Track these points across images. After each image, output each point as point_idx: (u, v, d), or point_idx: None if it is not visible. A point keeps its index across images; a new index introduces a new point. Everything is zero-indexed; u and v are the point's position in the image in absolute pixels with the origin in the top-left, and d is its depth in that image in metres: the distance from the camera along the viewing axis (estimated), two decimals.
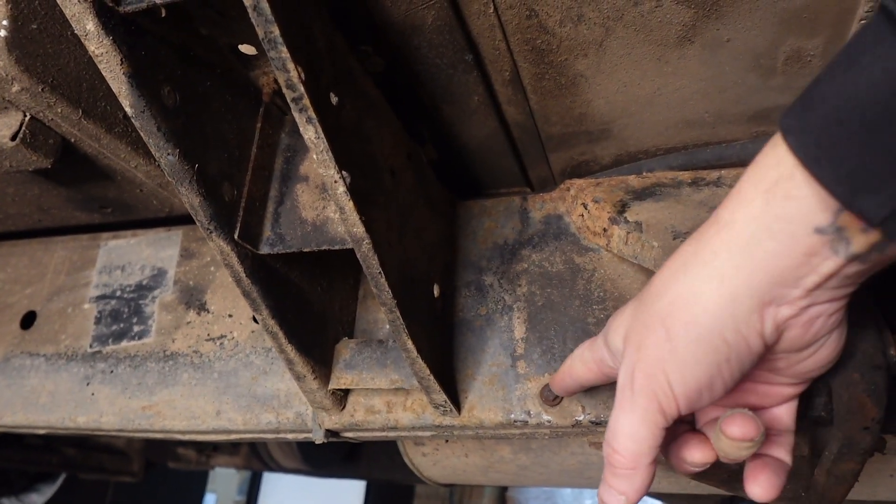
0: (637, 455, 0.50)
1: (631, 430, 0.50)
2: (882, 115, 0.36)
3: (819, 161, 0.38)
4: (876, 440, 0.50)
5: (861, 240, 0.40)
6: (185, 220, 1.04)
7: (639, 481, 0.51)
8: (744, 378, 0.49)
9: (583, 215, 0.81)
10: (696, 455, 0.54)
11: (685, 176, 0.79)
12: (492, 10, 0.66)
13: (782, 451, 0.55)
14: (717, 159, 0.80)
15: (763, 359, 0.49)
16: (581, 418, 0.74)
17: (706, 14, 0.66)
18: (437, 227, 0.83)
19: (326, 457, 2.17)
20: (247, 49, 0.63)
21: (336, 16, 0.63)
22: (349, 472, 2.21)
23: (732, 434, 0.49)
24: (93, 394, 0.95)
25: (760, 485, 0.52)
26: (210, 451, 2.20)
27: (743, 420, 0.49)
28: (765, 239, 0.42)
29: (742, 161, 0.79)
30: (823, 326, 0.47)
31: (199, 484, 3.95)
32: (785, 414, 0.55)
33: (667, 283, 0.49)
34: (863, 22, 0.66)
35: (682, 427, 0.58)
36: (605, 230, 0.77)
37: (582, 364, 0.63)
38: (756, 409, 0.56)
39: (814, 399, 0.54)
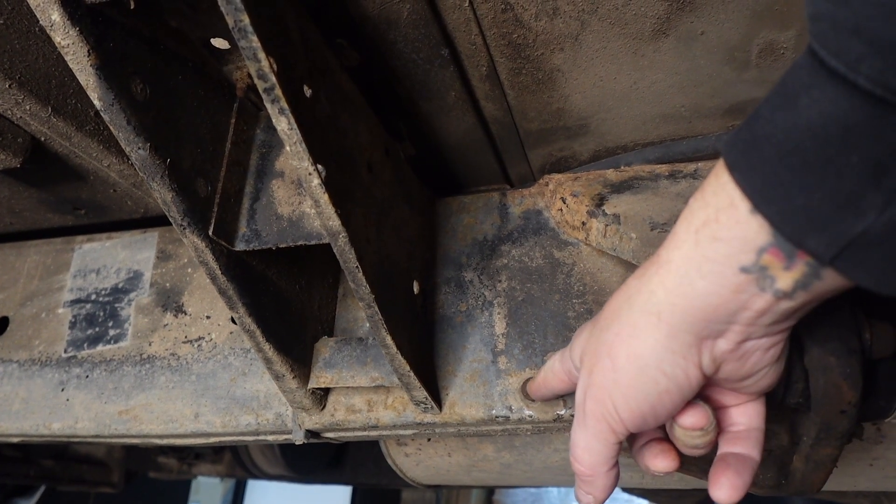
0: (594, 465, 0.55)
1: (586, 445, 0.55)
2: (821, 157, 0.37)
3: (767, 201, 0.40)
4: (853, 424, 0.51)
5: (785, 277, 0.41)
6: (161, 221, 1.02)
7: (601, 485, 0.57)
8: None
9: (562, 209, 0.81)
10: (659, 464, 0.59)
11: (662, 169, 0.79)
12: (467, 4, 0.66)
13: (749, 446, 0.56)
14: (693, 152, 0.80)
15: (707, 383, 0.52)
16: (563, 413, 0.74)
17: (680, 7, 0.67)
18: (415, 224, 0.82)
19: (311, 463, 2.15)
20: (219, 43, 0.62)
21: (310, 8, 0.62)
22: (334, 478, 2.19)
23: (683, 423, 0.54)
24: (68, 399, 0.93)
25: (722, 487, 0.54)
26: (192, 459, 2.17)
27: (693, 410, 0.53)
28: (696, 278, 0.44)
29: (718, 153, 0.80)
30: (761, 360, 0.50)
31: (181, 494, 3.89)
32: (751, 412, 0.57)
33: (614, 314, 0.52)
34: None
35: (648, 434, 0.61)
36: (583, 224, 0.78)
37: (553, 375, 0.67)
38: (721, 407, 0.58)
39: (791, 385, 0.54)
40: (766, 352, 0.49)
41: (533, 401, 0.75)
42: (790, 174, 0.38)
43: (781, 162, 0.39)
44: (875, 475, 0.92)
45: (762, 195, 0.40)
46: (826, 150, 0.37)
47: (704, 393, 0.56)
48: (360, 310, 0.87)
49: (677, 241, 0.46)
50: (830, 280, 0.41)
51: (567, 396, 0.75)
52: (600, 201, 0.76)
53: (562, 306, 0.80)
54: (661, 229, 0.70)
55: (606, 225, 0.74)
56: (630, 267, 0.79)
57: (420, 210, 0.85)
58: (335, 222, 0.57)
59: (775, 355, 0.50)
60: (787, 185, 0.38)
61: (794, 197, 0.38)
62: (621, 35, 0.70)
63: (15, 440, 0.97)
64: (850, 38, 0.34)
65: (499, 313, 0.82)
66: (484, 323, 0.82)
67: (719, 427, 0.58)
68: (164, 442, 0.92)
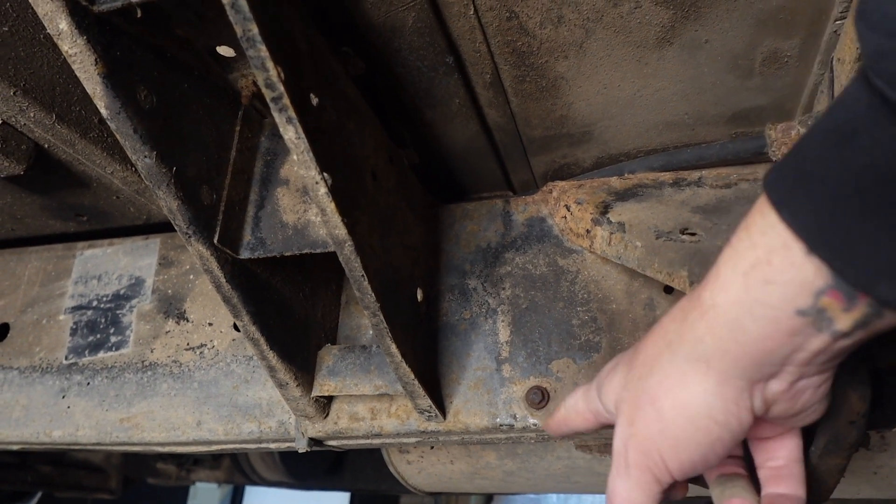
0: None
1: (628, 496, 0.52)
2: (888, 198, 0.36)
3: (826, 244, 0.38)
4: (862, 435, 0.51)
5: (844, 318, 0.40)
6: (163, 227, 1.02)
7: None
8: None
9: (565, 217, 0.81)
10: (676, 495, 0.57)
11: (666, 176, 0.79)
12: (472, 12, 0.66)
13: (794, 484, 0.55)
14: (697, 160, 0.80)
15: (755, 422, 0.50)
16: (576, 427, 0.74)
17: (684, 15, 0.67)
18: (419, 231, 0.82)
19: (310, 469, 2.14)
20: (225, 51, 0.62)
21: (316, 17, 0.62)
22: (333, 484, 2.18)
23: None
24: (68, 407, 0.93)
25: None
26: (190, 465, 2.16)
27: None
28: (748, 323, 0.43)
29: (722, 161, 0.80)
30: (812, 397, 0.48)
31: (179, 500, 3.87)
32: (790, 444, 0.55)
33: (654, 361, 0.50)
34: (838, 23, 0.67)
35: None
36: (588, 231, 0.77)
37: (577, 415, 0.64)
38: (760, 439, 0.57)
39: None
40: (818, 388, 0.48)
41: (538, 409, 0.75)
42: (850, 216, 0.37)
43: (838, 202, 0.37)
44: (879, 483, 0.92)
45: (819, 237, 0.38)
46: (891, 190, 0.35)
47: None
48: (363, 317, 0.86)
49: (723, 283, 0.44)
50: (892, 317, 0.39)
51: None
52: (605, 209, 0.76)
53: (566, 314, 0.80)
54: (666, 237, 0.70)
55: (611, 233, 0.74)
56: (635, 275, 0.79)
57: (424, 217, 0.85)
58: (341, 231, 0.57)
59: (825, 391, 0.49)
60: (848, 229, 0.37)
61: (857, 241, 0.37)
62: (626, 43, 0.70)
63: (15, 448, 0.97)
64: None
65: (503, 321, 0.81)
66: (488, 331, 0.81)
67: (756, 460, 0.56)
68: (166, 450, 0.91)
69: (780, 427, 0.54)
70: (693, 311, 0.47)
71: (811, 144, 0.39)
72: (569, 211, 0.80)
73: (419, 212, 0.83)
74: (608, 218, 0.75)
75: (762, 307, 0.41)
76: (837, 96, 0.40)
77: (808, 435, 0.53)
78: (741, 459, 0.59)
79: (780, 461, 0.55)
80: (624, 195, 0.78)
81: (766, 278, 0.41)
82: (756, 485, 0.56)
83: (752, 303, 0.42)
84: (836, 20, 0.67)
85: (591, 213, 0.77)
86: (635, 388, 0.52)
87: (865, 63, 0.36)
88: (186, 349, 0.92)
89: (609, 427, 0.58)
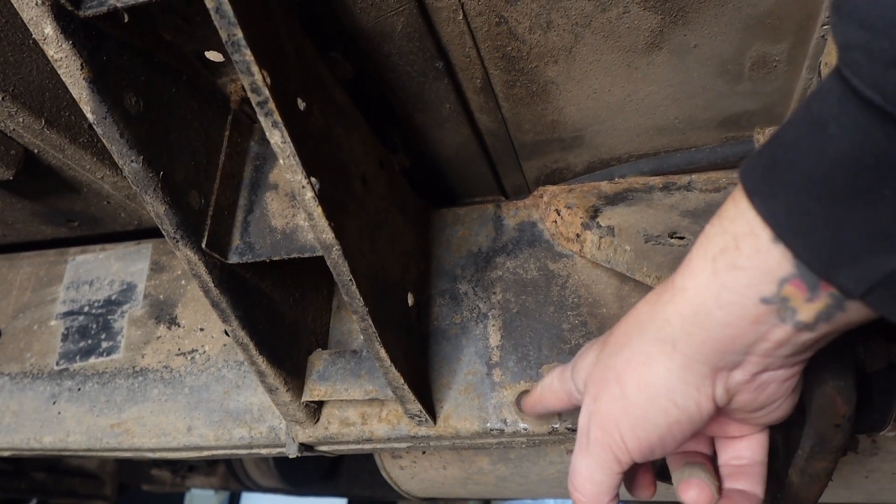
0: (595, 495, 0.53)
1: (588, 474, 0.53)
2: (853, 188, 0.36)
3: (792, 231, 0.38)
4: (848, 438, 0.51)
5: (807, 309, 0.40)
6: (155, 233, 1.02)
7: None
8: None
9: (556, 221, 0.81)
10: (644, 494, 0.59)
11: (656, 181, 0.80)
12: (461, 17, 0.66)
13: (754, 482, 0.55)
14: (687, 164, 0.80)
15: (717, 414, 0.50)
16: (557, 426, 0.74)
17: (673, 20, 0.67)
18: (410, 236, 0.82)
19: (305, 475, 2.13)
20: (213, 56, 0.62)
21: (304, 21, 0.62)
22: (329, 490, 2.17)
23: (688, 499, 0.54)
24: (59, 413, 0.92)
25: None
26: (185, 471, 2.15)
27: (698, 485, 0.54)
28: (714, 308, 0.43)
29: (712, 165, 0.80)
30: (776, 391, 0.49)
31: None
32: (755, 445, 0.56)
33: (625, 341, 0.51)
34: (825, 28, 0.67)
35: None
36: (578, 236, 0.78)
37: (551, 393, 0.65)
38: (723, 439, 0.57)
39: None
40: (783, 383, 0.48)
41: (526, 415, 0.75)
42: (817, 204, 0.37)
43: (807, 191, 0.37)
44: (870, 487, 0.92)
45: (786, 225, 0.38)
46: (857, 181, 0.36)
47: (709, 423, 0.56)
48: (354, 322, 0.86)
49: (693, 268, 0.45)
50: (855, 312, 0.40)
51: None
52: (594, 213, 0.76)
53: (556, 318, 0.80)
54: (655, 241, 0.70)
55: (601, 237, 0.74)
56: (625, 279, 0.79)
57: (415, 222, 0.85)
58: (328, 235, 0.57)
59: (791, 387, 0.49)
60: (813, 216, 0.37)
61: (821, 228, 0.37)
62: (615, 48, 0.71)
63: (6, 454, 0.96)
64: (887, 71, 0.33)
65: (493, 325, 0.81)
66: (479, 335, 0.81)
67: (720, 459, 0.57)
68: (157, 455, 0.91)
69: (747, 427, 0.55)
70: (664, 294, 0.47)
71: (786, 134, 0.39)
72: (559, 215, 0.80)
73: (410, 216, 0.83)
74: (598, 222, 0.75)
75: (728, 293, 0.42)
76: (814, 88, 0.40)
77: (795, 438, 0.53)
78: (707, 457, 0.59)
79: (744, 460, 0.56)
80: (614, 199, 0.78)
81: (733, 263, 0.41)
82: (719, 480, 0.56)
83: (718, 288, 0.42)
84: (823, 25, 0.67)
85: (580, 218, 0.77)
86: (604, 365, 0.52)
87: (837, 54, 0.36)
88: (178, 354, 0.92)
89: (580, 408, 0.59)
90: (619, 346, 0.51)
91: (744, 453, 0.56)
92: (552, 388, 0.65)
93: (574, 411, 0.63)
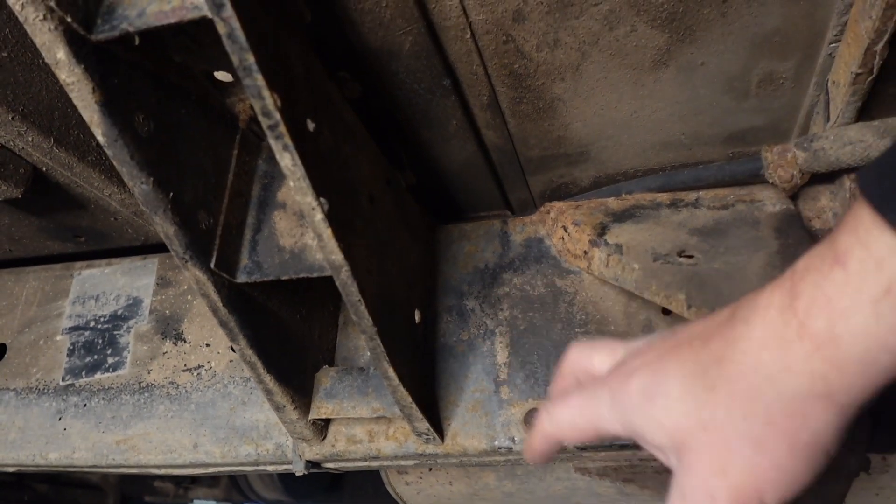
0: None
1: None
2: None
3: None
4: (862, 461, 0.50)
5: None
6: (161, 248, 1.02)
7: None
8: None
9: (563, 238, 0.81)
10: None
11: (663, 197, 0.80)
12: (469, 36, 0.67)
13: None
14: (694, 181, 0.80)
15: None
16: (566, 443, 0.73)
17: (680, 38, 0.67)
18: (417, 253, 0.82)
19: (309, 487, 2.13)
20: (222, 76, 0.63)
21: (313, 42, 0.63)
22: (332, 503, 2.16)
23: None
24: (65, 429, 0.92)
25: None
26: (188, 483, 2.14)
27: None
28: (881, 355, 0.38)
29: (719, 182, 0.80)
30: None
31: None
32: None
33: (754, 397, 0.43)
34: (832, 46, 0.67)
35: None
36: (585, 253, 0.77)
37: (575, 432, 0.54)
38: None
39: None
40: None
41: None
42: None
43: None
44: None
45: None
46: None
47: None
48: (360, 338, 0.86)
49: (843, 311, 0.39)
50: None
51: None
52: (602, 230, 0.76)
53: (564, 336, 0.79)
54: (663, 260, 0.70)
55: (609, 255, 0.74)
56: (633, 296, 0.78)
57: (421, 238, 0.85)
58: (338, 256, 0.56)
59: None
60: None
61: None
62: (622, 66, 0.71)
63: (11, 469, 0.96)
64: None
65: (501, 342, 0.81)
66: (486, 352, 0.81)
67: None
68: (163, 472, 0.91)
69: None
70: (802, 344, 0.41)
71: None
72: (566, 232, 0.80)
73: (417, 233, 0.83)
74: (605, 240, 0.75)
75: None
76: None
77: None
78: None
79: None
80: (621, 216, 0.78)
81: None
82: None
83: (886, 333, 0.37)
84: (830, 43, 0.67)
85: (588, 235, 0.77)
86: (720, 429, 0.44)
87: None
88: (184, 370, 0.92)
89: (613, 442, 0.53)
90: (741, 408, 0.44)
91: None
92: (576, 426, 0.53)
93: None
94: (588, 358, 0.56)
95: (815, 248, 0.41)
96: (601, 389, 0.50)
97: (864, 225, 0.37)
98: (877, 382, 0.40)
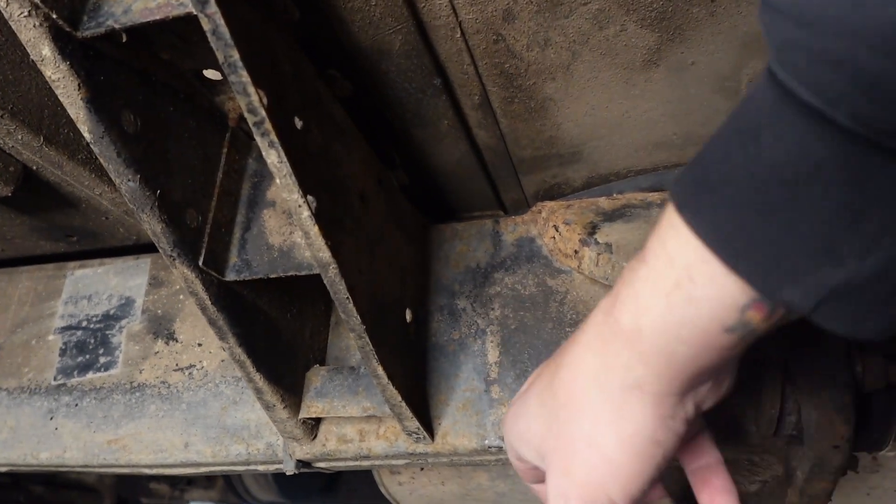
0: None
1: None
2: (788, 199, 0.34)
3: (739, 254, 0.36)
4: (847, 458, 0.50)
5: (766, 324, 0.39)
6: (153, 247, 1.01)
7: None
8: None
9: (554, 237, 0.81)
10: None
11: (654, 197, 0.80)
12: (459, 35, 0.67)
13: (727, 481, 0.54)
14: None
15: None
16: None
17: (670, 38, 0.67)
18: (408, 252, 0.82)
19: (304, 489, 2.12)
20: (211, 74, 0.63)
21: (302, 39, 0.63)
22: None
23: None
24: (56, 428, 0.92)
25: None
26: (184, 485, 2.14)
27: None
28: (676, 346, 0.41)
29: None
30: (730, 378, 0.48)
31: None
32: (708, 442, 0.55)
33: (582, 400, 0.47)
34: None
35: None
36: (576, 252, 0.77)
37: (530, 473, 0.58)
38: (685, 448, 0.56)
39: (784, 418, 0.54)
40: (733, 370, 0.47)
41: None
42: (756, 219, 0.35)
43: (744, 206, 0.35)
44: None
45: (733, 249, 0.36)
46: (794, 191, 0.34)
47: None
48: (351, 338, 0.86)
49: (644, 305, 0.41)
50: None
51: None
52: (592, 230, 0.76)
53: (555, 335, 0.79)
54: None
55: (598, 254, 0.74)
56: None
57: (413, 238, 0.85)
58: (325, 254, 0.56)
59: (736, 366, 0.48)
60: (753, 232, 0.35)
61: (762, 245, 0.35)
62: (612, 65, 0.71)
63: (2, 469, 0.96)
64: (830, 72, 0.30)
65: (492, 342, 0.81)
66: (477, 351, 0.81)
67: (689, 468, 0.56)
68: (154, 472, 0.90)
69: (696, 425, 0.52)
70: (615, 340, 0.44)
71: (717, 147, 0.37)
72: (557, 231, 0.80)
73: (409, 232, 0.83)
74: (595, 239, 0.75)
75: (688, 328, 0.40)
76: (745, 95, 0.37)
77: (794, 459, 0.53)
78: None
79: (711, 459, 0.54)
80: (612, 216, 0.78)
81: (689, 297, 0.39)
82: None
83: (677, 325, 0.40)
84: None
85: (578, 234, 0.77)
86: (566, 434, 0.47)
87: (770, 56, 0.34)
88: (175, 370, 0.91)
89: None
90: (575, 409, 0.47)
91: (706, 452, 0.55)
92: (525, 472, 0.58)
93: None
94: None
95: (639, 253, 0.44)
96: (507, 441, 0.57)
97: (665, 224, 0.40)
98: (684, 373, 0.42)
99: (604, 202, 0.80)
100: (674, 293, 0.39)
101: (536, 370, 0.58)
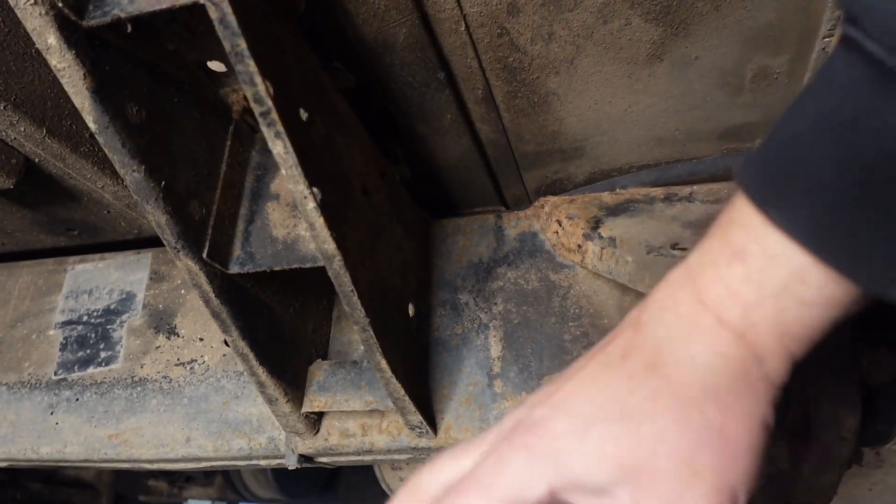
0: None
1: None
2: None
3: (843, 256, 0.34)
4: (853, 451, 0.50)
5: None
6: (154, 242, 1.02)
7: None
8: None
9: (557, 232, 0.81)
10: None
11: (657, 192, 0.80)
12: (463, 28, 0.67)
13: None
14: (688, 175, 0.80)
15: None
16: None
17: (674, 32, 0.67)
18: (411, 246, 0.82)
19: (304, 486, 2.12)
20: (216, 66, 0.63)
21: (307, 31, 0.62)
22: (327, 501, 2.16)
23: None
24: (57, 423, 0.92)
25: None
26: (182, 482, 2.14)
27: None
28: (788, 342, 0.40)
29: (713, 176, 0.80)
30: None
31: None
32: None
33: (701, 383, 0.41)
34: (826, 40, 0.67)
35: None
36: (579, 246, 0.77)
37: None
38: None
39: (790, 411, 0.54)
40: None
41: None
42: (864, 216, 0.33)
43: (850, 206, 0.33)
44: (874, 500, 0.91)
45: (839, 254, 0.35)
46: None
47: None
48: (354, 332, 0.86)
49: (748, 302, 0.39)
50: None
51: None
52: (596, 224, 0.76)
53: (558, 329, 0.79)
54: (657, 253, 0.70)
55: (602, 248, 0.74)
56: (626, 290, 0.78)
57: (415, 232, 0.85)
58: (330, 245, 0.56)
59: None
60: (863, 237, 0.33)
61: (874, 245, 0.34)
62: (616, 59, 0.71)
63: (2, 465, 0.95)
64: None
65: (494, 336, 0.81)
66: (479, 346, 0.81)
67: None
68: (155, 467, 0.90)
69: None
70: (723, 331, 0.41)
71: (801, 140, 0.34)
72: (560, 226, 0.80)
73: (411, 227, 0.83)
74: (599, 233, 0.75)
75: (800, 328, 0.39)
76: (817, 76, 0.34)
77: (800, 452, 0.53)
78: None
79: None
80: (615, 210, 0.78)
81: (801, 300, 0.38)
82: None
83: (790, 324, 0.39)
84: (824, 38, 0.67)
85: (582, 229, 0.77)
86: (682, 431, 0.40)
87: (858, 30, 0.30)
88: (177, 364, 0.91)
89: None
90: (694, 398, 0.42)
91: None
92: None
93: None
94: (439, 473, 0.48)
95: (704, 244, 0.42)
96: (507, 454, 0.43)
97: (753, 221, 0.38)
98: (789, 365, 0.41)
99: (607, 197, 0.80)
100: (783, 295, 0.38)
101: (548, 390, 0.46)
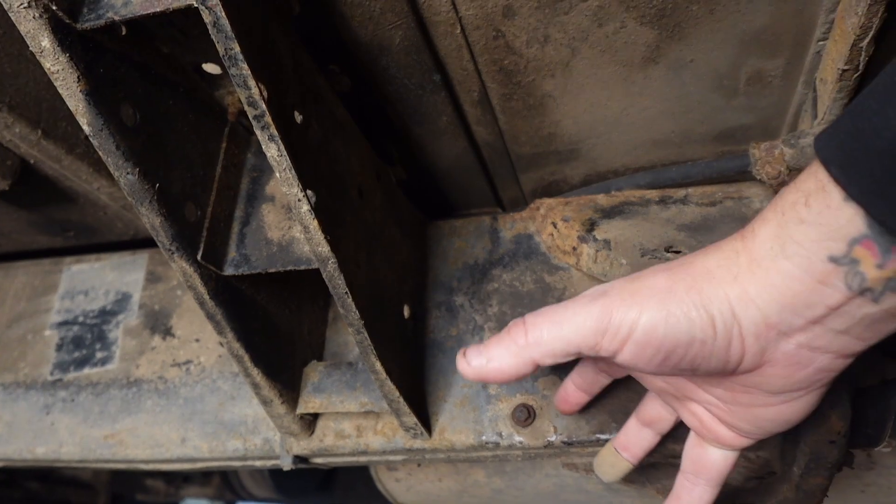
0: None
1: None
2: None
3: (867, 191, 0.36)
4: (843, 454, 0.50)
5: (876, 275, 0.38)
6: (151, 243, 1.02)
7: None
8: (687, 377, 0.50)
9: (552, 234, 0.81)
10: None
11: (652, 194, 0.80)
12: (458, 31, 0.67)
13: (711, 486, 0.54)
14: (683, 178, 0.80)
15: (726, 382, 0.48)
16: (553, 439, 0.74)
17: (669, 35, 0.68)
18: (407, 248, 0.82)
19: (300, 485, 2.12)
20: (211, 68, 0.63)
21: (303, 34, 0.63)
22: (324, 501, 2.16)
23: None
24: (52, 423, 0.92)
25: None
26: (180, 482, 2.14)
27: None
28: (780, 258, 0.42)
29: (708, 179, 0.80)
30: (806, 378, 0.45)
31: None
32: (719, 461, 0.54)
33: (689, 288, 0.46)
34: (821, 44, 0.68)
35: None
36: (574, 248, 0.78)
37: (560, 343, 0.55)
38: (695, 434, 0.56)
39: None
40: (817, 372, 0.45)
41: (524, 426, 0.75)
42: None
43: (891, 156, 0.35)
44: (867, 502, 0.91)
45: (860, 184, 0.36)
46: None
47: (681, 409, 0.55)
48: (350, 334, 0.86)
49: (763, 218, 0.44)
50: None
51: (558, 421, 0.74)
52: (591, 226, 0.77)
53: None
54: (651, 255, 0.70)
55: (597, 250, 0.74)
56: None
57: (411, 234, 0.85)
58: (324, 248, 0.56)
59: (822, 384, 0.46)
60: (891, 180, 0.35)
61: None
62: (612, 62, 0.71)
63: None
64: None
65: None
66: None
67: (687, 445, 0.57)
68: (150, 467, 0.90)
69: (736, 420, 0.51)
70: (736, 236, 0.46)
71: (869, 102, 0.37)
72: (555, 228, 0.80)
73: (407, 228, 0.83)
74: (594, 235, 0.75)
75: (795, 245, 0.40)
76: None
77: (790, 455, 0.53)
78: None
79: (701, 472, 0.55)
80: (610, 213, 0.78)
81: (801, 218, 0.40)
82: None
83: (786, 238, 0.41)
84: (818, 41, 0.68)
85: (577, 231, 0.77)
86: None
87: None
88: (172, 365, 0.91)
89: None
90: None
91: (703, 463, 0.55)
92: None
93: None
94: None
95: (782, 197, 0.44)
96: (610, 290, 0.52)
97: (810, 168, 0.41)
98: (775, 285, 0.42)
99: (602, 199, 0.81)
100: (788, 211, 0.41)
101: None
